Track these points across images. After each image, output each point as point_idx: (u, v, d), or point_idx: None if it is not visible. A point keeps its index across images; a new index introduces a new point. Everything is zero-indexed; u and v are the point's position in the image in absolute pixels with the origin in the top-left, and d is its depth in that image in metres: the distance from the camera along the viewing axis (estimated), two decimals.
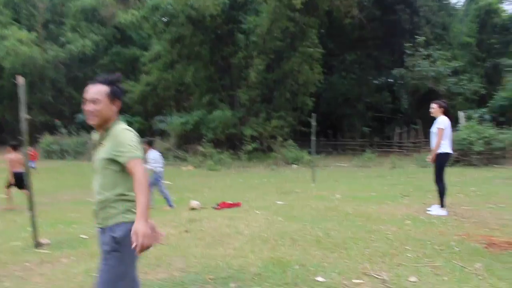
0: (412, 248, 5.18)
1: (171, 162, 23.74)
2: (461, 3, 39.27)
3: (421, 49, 29.27)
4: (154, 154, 9.65)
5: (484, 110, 22.35)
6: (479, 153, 18.95)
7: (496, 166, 19.00)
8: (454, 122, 25.89)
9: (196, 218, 7.15)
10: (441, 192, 7.44)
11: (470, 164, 19.23)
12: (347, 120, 33.36)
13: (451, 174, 16.11)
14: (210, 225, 6.66)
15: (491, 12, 40.21)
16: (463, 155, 19.78)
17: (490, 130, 19.77)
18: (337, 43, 32.56)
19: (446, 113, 7.62)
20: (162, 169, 9.79)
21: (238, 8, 27.71)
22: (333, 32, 31.25)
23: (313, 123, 14.35)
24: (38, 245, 5.82)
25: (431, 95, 32.20)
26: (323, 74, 28.90)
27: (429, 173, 16.42)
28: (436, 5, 34.29)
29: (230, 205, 8.29)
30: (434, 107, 7.74)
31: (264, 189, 12.44)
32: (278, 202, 8.72)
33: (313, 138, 14.50)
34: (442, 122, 7.41)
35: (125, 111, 33.10)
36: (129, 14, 32.09)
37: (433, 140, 7.57)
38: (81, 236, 6.23)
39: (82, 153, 27.61)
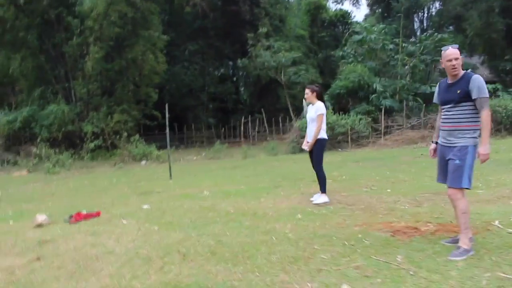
0: (322, 247, 4.58)
1: None
2: None
3: (262, 40, 29.91)
4: None
5: (326, 98, 23.51)
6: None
7: (340, 150, 20.07)
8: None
9: (47, 239, 5.65)
10: (323, 178, 7.13)
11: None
12: (192, 112, 32.76)
13: (300, 160, 16.57)
14: (68, 246, 5.28)
15: (319, 7, 43.22)
16: None
17: (332, 117, 20.79)
18: (178, 32, 31.60)
19: (320, 97, 7.27)
20: None
21: None
22: (174, 21, 30.21)
23: (167, 114, 13.24)
24: None
25: (272, 85, 33.37)
26: (165, 64, 27.72)
27: (283, 161, 16.74)
28: None
29: (87, 216, 6.87)
30: (307, 93, 7.33)
31: (118, 191, 11.02)
32: (144, 206, 7.54)
33: (167, 130, 13.39)
34: (321, 107, 7.04)
35: None
36: None
37: (311, 127, 7.20)
38: None
39: None
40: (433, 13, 39.73)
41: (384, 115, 22.51)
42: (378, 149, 19.64)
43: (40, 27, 24.73)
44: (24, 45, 25.02)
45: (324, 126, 7.08)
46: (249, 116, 32.38)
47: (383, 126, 22.43)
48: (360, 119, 21.57)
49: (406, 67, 25.18)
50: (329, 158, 15.43)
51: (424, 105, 22.92)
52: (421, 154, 14.47)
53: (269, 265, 4.14)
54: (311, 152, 7.24)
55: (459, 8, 31.18)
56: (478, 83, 4.10)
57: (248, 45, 30.42)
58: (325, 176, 7.14)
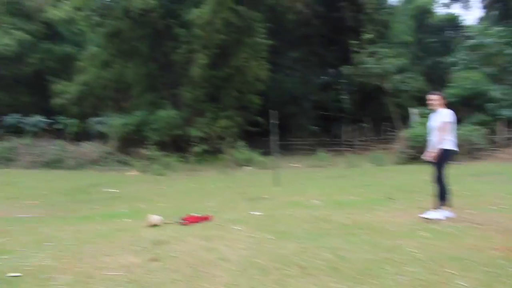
0: (458, 272, 4.05)
1: (113, 167, 21.79)
2: (399, 2, 39.70)
3: (366, 47, 29.01)
4: None
5: None
6: None
7: (450, 162, 18.67)
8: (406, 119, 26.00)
9: (162, 239, 5.68)
10: (441, 194, 6.52)
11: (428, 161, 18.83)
12: (294, 119, 32.53)
13: (409, 171, 15.65)
14: (182, 248, 5.23)
15: (426, 12, 41.15)
16: (419, 152, 19.36)
17: None
18: (280, 40, 31.60)
19: (447, 105, 6.64)
20: None
21: (177, 1, 26.01)
22: (277, 29, 30.27)
23: (275, 121, 13.11)
24: None
25: (376, 93, 32.21)
26: (268, 72, 27.84)
27: (391, 172, 15.91)
28: (377, 3, 34.28)
29: (199, 219, 6.87)
30: (433, 98, 6.73)
31: (225, 195, 11.06)
32: (254, 213, 7.39)
33: (274, 137, 13.24)
34: (447, 115, 6.43)
35: (60, 113, 30.50)
36: (60, 8, 29.49)
37: (434, 136, 6.60)
38: (10, 274, 4.61)
39: (11, 159, 24.88)
40: None
41: (502, 125, 20.67)
42: (496, 163, 18.00)
43: (151, 37, 26.08)
44: (136, 54, 26.57)
45: (451, 136, 6.46)
46: (352, 124, 31.52)
47: (501, 137, 20.61)
48: (475, 129, 19.96)
49: None
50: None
51: None
52: None
53: (398, 287, 3.71)
54: (433, 164, 6.64)
55: None
56: None
57: (352, 52, 29.67)
58: (444, 192, 6.51)
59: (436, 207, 6.51)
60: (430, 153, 6.61)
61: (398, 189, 9.97)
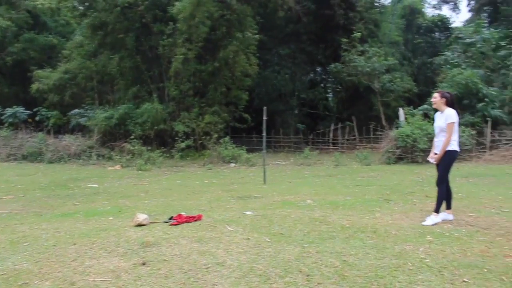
0: (474, 281, 3.77)
1: (95, 161, 21.16)
2: (390, 1, 39.60)
3: (357, 45, 28.80)
4: None
5: (426, 106, 21.96)
6: (422, 150, 18.36)
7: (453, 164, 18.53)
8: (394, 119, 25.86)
9: (150, 241, 5.25)
10: (441, 196, 6.24)
11: (414, 161, 18.70)
12: (280, 116, 32.23)
13: (398, 172, 15.43)
14: (173, 251, 4.83)
15: (415, 12, 41.20)
16: (406, 152, 19.25)
17: (431, 127, 19.32)
18: (270, 36, 31.22)
19: (451, 105, 6.33)
20: None
21: None
22: (267, 25, 29.85)
23: (265, 117, 12.73)
24: None
25: (364, 92, 32.08)
26: (256, 68, 27.40)
27: (379, 172, 15.65)
28: (368, 2, 34.15)
29: (189, 219, 6.45)
30: (436, 97, 6.42)
31: (212, 193, 10.65)
32: (247, 213, 7.01)
33: (264, 134, 12.85)
34: (452, 115, 6.12)
35: (41, 105, 29.67)
36: None
37: (439, 137, 6.30)
38: None
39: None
40: None
41: (492, 127, 20.64)
42: (484, 165, 17.91)
43: (137, 30, 25.45)
44: (122, 47, 25.89)
45: (455, 137, 6.17)
46: (339, 123, 31.32)
47: (489, 139, 20.57)
48: (463, 130, 19.86)
49: None
50: (430, 172, 14.18)
51: None
52: None
53: None
54: (438, 166, 6.35)
55: None
56: None
57: (341, 50, 29.43)
58: (444, 194, 6.26)
59: (436, 210, 6.22)
60: (435, 155, 6.31)
61: (392, 190, 9.68)
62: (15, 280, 4.09)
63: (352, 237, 5.29)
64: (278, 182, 13.00)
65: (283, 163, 21.57)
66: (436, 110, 6.55)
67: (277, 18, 29.90)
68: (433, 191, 6.67)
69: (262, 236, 5.37)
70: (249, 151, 22.69)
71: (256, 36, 25.70)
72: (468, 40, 24.76)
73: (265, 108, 13.03)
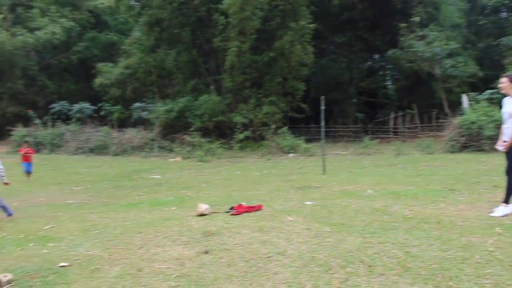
0: None
1: (156, 153, 21.85)
2: None
3: (416, 30, 27.83)
4: None
5: (490, 91, 20.91)
6: (489, 137, 17.48)
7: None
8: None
9: (212, 230, 5.39)
10: (511, 186, 5.90)
11: (480, 149, 17.86)
12: (338, 105, 31.77)
13: (464, 161, 14.84)
14: (235, 241, 4.93)
15: None
16: (472, 140, 18.44)
17: (498, 113, 18.40)
18: (325, 25, 30.75)
19: None
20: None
21: None
22: (321, 13, 29.41)
23: (323, 107, 12.62)
24: None
25: (425, 78, 30.98)
26: (313, 57, 27.11)
27: (443, 161, 15.12)
28: None
29: (250, 209, 6.55)
30: (504, 82, 6.08)
31: (272, 183, 10.72)
32: (307, 203, 7.01)
33: (322, 123, 12.76)
34: None
35: (102, 97, 30.98)
36: None
37: (508, 123, 5.96)
38: (60, 264, 4.43)
39: (59, 145, 25.46)
40: None
41: None
42: None
43: (193, 24, 25.88)
44: (178, 41, 26.45)
45: None
46: (399, 111, 30.48)
47: None
48: None
49: None
50: (498, 160, 13.52)
51: None
52: None
53: None
54: (507, 154, 6.03)
55: None
56: None
57: (400, 35, 28.52)
58: None
59: (505, 201, 5.92)
60: (504, 143, 5.99)
61: (456, 180, 9.32)
62: (88, 265, 4.34)
63: (415, 227, 5.17)
64: (338, 172, 12.88)
65: (342, 153, 21.31)
66: (503, 96, 6.22)
67: (331, 6, 29.43)
68: (502, 180, 6.35)
69: (323, 226, 5.37)
70: (307, 141, 22.60)
71: (311, 25, 25.38)
72: None
73: (322, 97, 12.92)
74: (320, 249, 4.44)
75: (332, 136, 29.20)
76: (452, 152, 18.32)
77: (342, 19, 32.07)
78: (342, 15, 31.88)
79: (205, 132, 23.22)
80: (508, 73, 6.32)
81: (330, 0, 28.19)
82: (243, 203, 6.94)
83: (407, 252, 4.23)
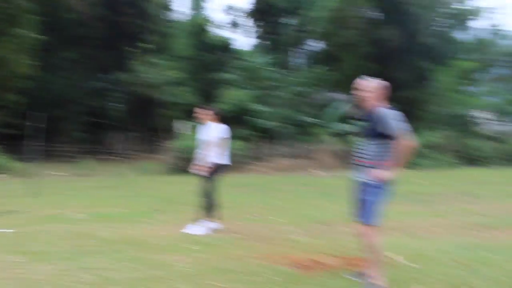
0: (223, 283, 4.11)
1: None
2: (182, 16, 40.96)
3: (145, 55, 28.87)
4: None
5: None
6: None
7: (222, 176, 19.69)
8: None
9: None
10: (209, 207, 6.68)
11: (192, 172, 19.40)
12: (61, 123, 30.16)
13: (176, 182, 15.87)
14: None
15: (203, 30, 43.23)
16: (185, 163, 19.83)
17: None
18: (55, 37, 29.05)
19: (221, 120, 6.86)
20: None
21: None
22: (52, 25, 27.69)
23: (41, 125, 11.82)
24: None
25: (149, 103, 32.22)
26: (37, 70, 25.15)
27: (157, 183, 15.89)
28: (161, 14, 34.59)
29: None
30: (206, 113, 6.87)
31: None
32: (4, 231, 6.37)
33: (29, 141, 11.94)
34: (223, 130, 6.64)
35: None
36: None
37: (205, 149, 6.71)
38: None
39: None
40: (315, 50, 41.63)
41: (264, 141, 22.84)
42: (256, 175, 19.65)
43: None
44: None
45: (226, 151, 6.69)
46: (124, 133, 30.76)
47: (263, 152, 22.74)
48: (240, 144, 21.48)
49: (288, 96, 25.76)
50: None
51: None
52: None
53: None
54: (204, 177, 6.78)
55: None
56: None
57: (130, 59, 29.14)
58: (213, 204, 6.69)
59: (201, 220, 6.58)
60: (201, 166, 6.69)
61: (166, 201, 9.92)
62: None
63: (114, 250, 5.23)
64: (51, 194, 12.08)
65: (61, 174, 20.19)
66: (200, 124, 6.97)
67: (64, 19, 28.12)
68: (201, 201, 7.07)
69: (17, 256, 4.94)
70: (24, 160, 20.58)
71: (35, 36, 23.62)
72: (244, 63, 27.03)
73: (42, 114, 12.12)
74: (5, 283, 4.07)
75: (53, 156, 27.40)
76: (168, 174, 19.42)
77: (74, 34, 30.81)
78: (74, 30, 30.68)
79: None
80: (203, 105, 7.12)
81: (64, 13, 26.87)
82: None
83: (102, 276, 4.25)
